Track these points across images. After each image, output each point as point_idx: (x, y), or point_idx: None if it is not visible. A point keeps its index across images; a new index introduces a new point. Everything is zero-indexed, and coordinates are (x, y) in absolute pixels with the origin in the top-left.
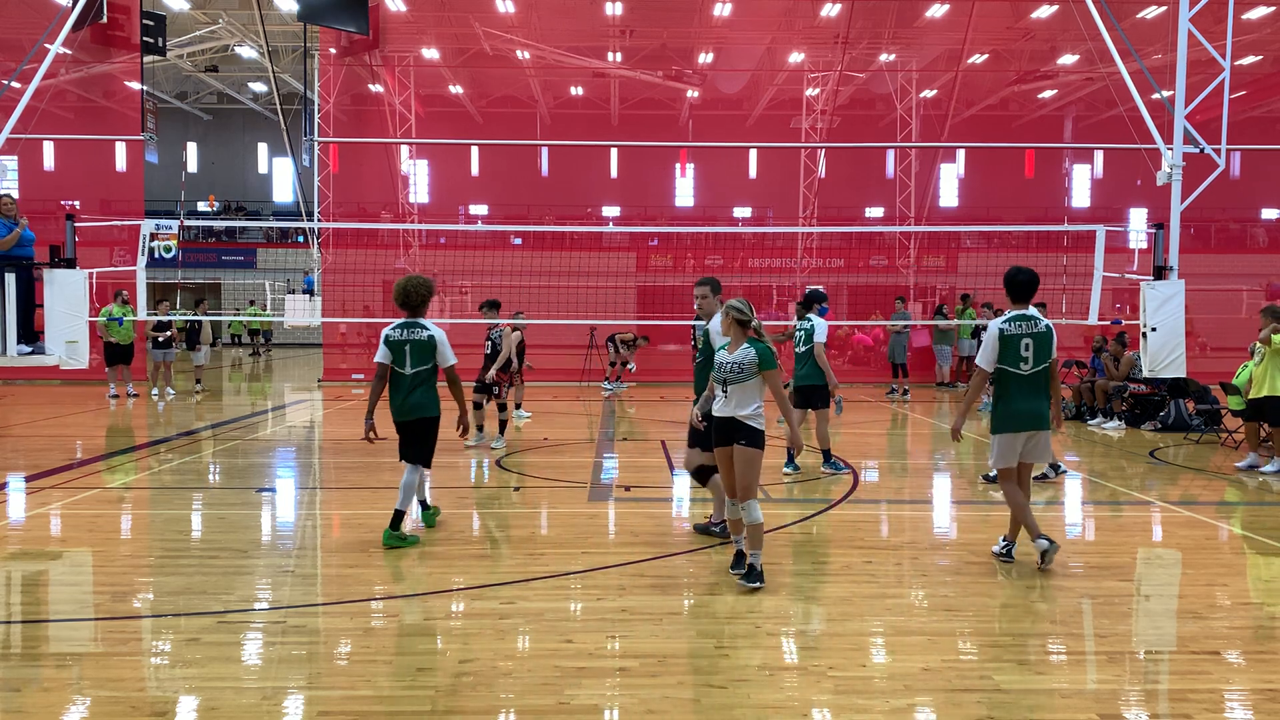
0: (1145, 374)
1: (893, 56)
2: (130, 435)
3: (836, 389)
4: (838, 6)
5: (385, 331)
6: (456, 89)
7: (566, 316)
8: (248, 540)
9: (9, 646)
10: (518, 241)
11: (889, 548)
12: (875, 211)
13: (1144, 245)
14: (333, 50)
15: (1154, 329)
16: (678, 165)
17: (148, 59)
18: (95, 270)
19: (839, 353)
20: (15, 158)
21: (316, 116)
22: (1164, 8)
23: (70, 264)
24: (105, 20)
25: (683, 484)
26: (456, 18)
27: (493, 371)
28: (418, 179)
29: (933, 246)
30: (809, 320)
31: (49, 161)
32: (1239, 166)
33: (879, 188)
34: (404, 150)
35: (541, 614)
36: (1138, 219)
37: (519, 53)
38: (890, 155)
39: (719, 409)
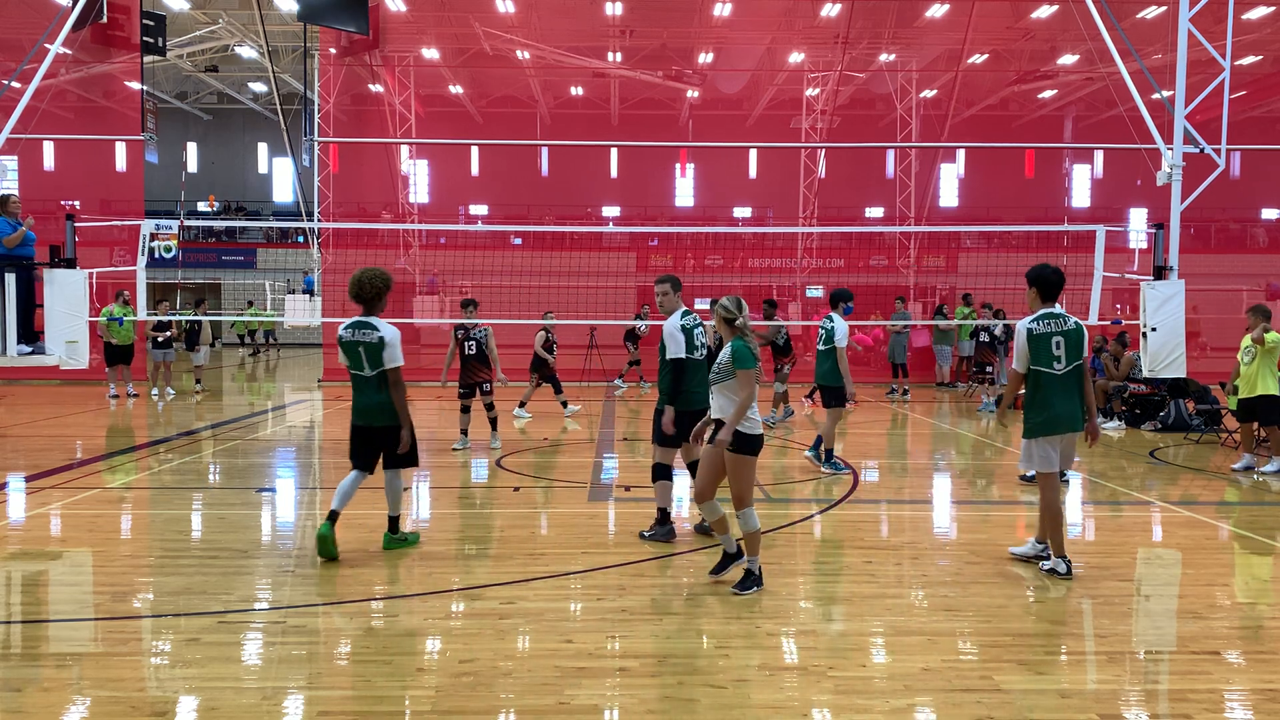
0: (1145, 374)
1: (893, 56)
2: (130, 435)
3: (854, 395)
4: (838, 6)
5: (339, 332)
6: (456, 89)
7: (567, 317)
8: (248, 540)
9: (9, 646)
10: (518, 241)
11: (889, 548)
12: (875, 211)
13: (1144, 245)
14: (333, 50)
15: (1154, 329)
16: (678, 165)
17: (148, 59)
18: (95, 270)
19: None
20: (15, 158)
21: (316, 116)
22: (1164, 8)
23: (70, 264)
24: (105, 20)
25: (683, 484)
26: (456, 18)
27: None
28: (418, 179)
29: (933, 246)
30: (830, 320)
31: (49, 161)
32: (1239, 166)
33: (879, 188)
34: (404, 150)
35: (541, 614)
36: (1138, 219)
37: (519, 53)
38: (890, 155)
39: (713, 411)
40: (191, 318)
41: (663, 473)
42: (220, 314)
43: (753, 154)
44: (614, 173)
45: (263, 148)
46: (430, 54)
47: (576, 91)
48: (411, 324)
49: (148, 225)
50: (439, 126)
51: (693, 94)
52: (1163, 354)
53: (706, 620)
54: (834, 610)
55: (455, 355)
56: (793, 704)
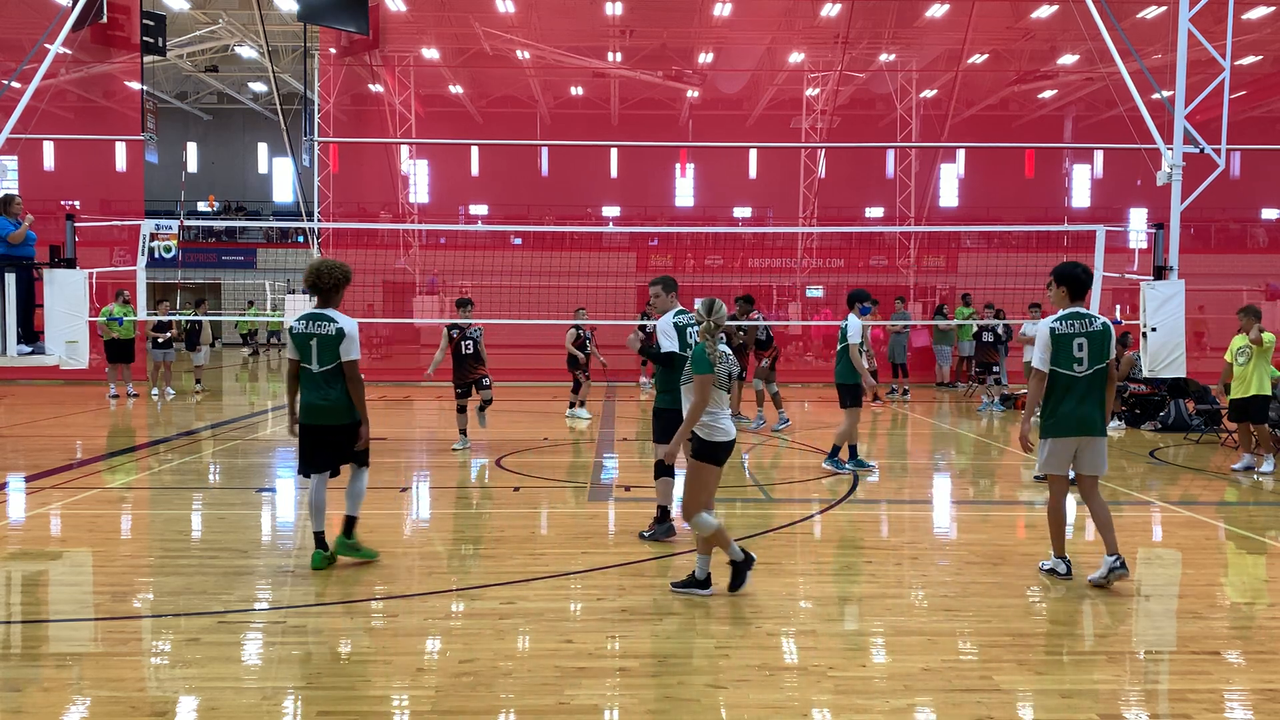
0: (1145, 374)
1: (893, 56)
2: (130, 435)
3: (873, 388)
4: (838, 6)
5: (290, 323)
6: (456, 89)
7: (566, 317)
8: (248, 540)
9: (9, 646)
10: (518, 241)
11: (889, 548)
12: (875, 211)
13: (1144, 245)
14: (333, 50)
15: (1154, 329)
16: (678, 165)
17: (148, 59)
18: (95, 270)
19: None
20: (15, 158)
21: (316, 116)
22: (1164, 8)
23: (70, 264)
24: (105, 20)
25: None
26: (456, 18)
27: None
28: (418, 179)
29: (933, 246)
30: (847, 321)
31: (49, 161)
32: (1239, 166)
33: (879, 188)
34: (404, 150)
35: (541, 614)
36: (1138, 219)
37: (519, 53)
38: (890, 155)
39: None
40: (192, 318)
41: (665, 470)
42: (220, 314)
43: (753, 154)
44: (614, 173)
45: (263, 148)
46: (430, 54)
47: (576, 91)
48: (412, 324)
49: (148, 225)
50: (439, 126)
51: (693, 94)
52: (1162, 354)
53: (706, 620)
54: (834, 610)
55: (446, 354)
56: (793, 704)
